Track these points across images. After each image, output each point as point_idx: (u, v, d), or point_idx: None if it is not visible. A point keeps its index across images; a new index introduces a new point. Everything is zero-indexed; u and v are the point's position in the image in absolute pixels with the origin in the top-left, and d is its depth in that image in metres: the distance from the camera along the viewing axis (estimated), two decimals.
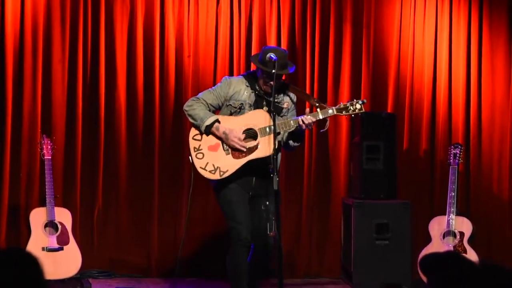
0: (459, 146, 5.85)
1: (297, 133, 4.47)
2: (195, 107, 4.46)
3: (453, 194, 5.72)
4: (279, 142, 4.44)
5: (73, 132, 5.99)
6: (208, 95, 4.52)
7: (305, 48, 6.31)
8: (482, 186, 6.41)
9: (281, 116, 4.49)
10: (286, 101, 4.55)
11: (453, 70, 6.43)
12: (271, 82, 4.34)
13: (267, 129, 4.36)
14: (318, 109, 4.42)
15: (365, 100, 4.50)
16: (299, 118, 4.38)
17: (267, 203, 4.27)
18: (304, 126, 4.37)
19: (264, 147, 4.37)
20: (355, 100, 4.46)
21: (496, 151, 6.44)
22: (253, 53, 6.16)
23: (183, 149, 6.12)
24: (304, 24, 6.31)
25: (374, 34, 6.39)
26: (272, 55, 4.30)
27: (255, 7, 6.24)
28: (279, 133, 4.40)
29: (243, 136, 4.40)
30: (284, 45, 6.21)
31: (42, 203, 5.53)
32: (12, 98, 5.88)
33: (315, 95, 6.28)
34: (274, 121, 4.24)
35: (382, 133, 5.93)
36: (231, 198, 4.43)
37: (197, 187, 5.96)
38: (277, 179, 4.09)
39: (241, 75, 4.67)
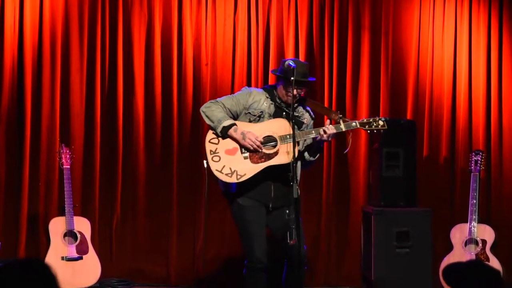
0: (481, 153, 5.79)
1: (314, 147, 4.44)
2: (214, 109, 4.41)
3: (474, 201, 5.67)
4: (298, 151, 4.40)
5: (91, 141, 6.00)
6: (228, 100, 4.48)
7: (323, 56, 6.29)
8: (504, 192, 6.33)
9: (300, 131, 4.44)
10: (306, 117, 4.52)
11: (473, 75, 6.38)
12: (293, 92, 4.31)
13: (288, 136, 4.32)
14: (341, 121, 4.38)
15: (387, 118, 4.52)
16: (321, 128, 4.33)
17: (287, 211, 4.20)
18: (325, 137, 4.32)
19: (284, 154, 4.32)
20: (377, 117, 4.49)
21: None
22: (271, 61, 6.17)
23: (202, 158, 6.11)
24: (322, 32, 6.29)
25: (393, 41, 6.36)
26: (291, 62, 4.29)
27: (272, 15, 6.23)
28: (298, 143, 4.35)
29: (260, 138, 4.33)
30: (302, 53, 6.19)
31: (61, 213, 5.54)
32: (31, 108, 5.91)
33: (333, 103, 6.24)
34: (293, 128, 4.22)
35: (402, 140, 5.88)
36: (247, 217, 4.36)
37: (214, 195, 5.99)
38: (297, 187, 4.06)
39: (261, 88, 4.62)
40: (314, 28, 6.27)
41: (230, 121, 4.37)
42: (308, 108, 4.57)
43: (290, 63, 4.29)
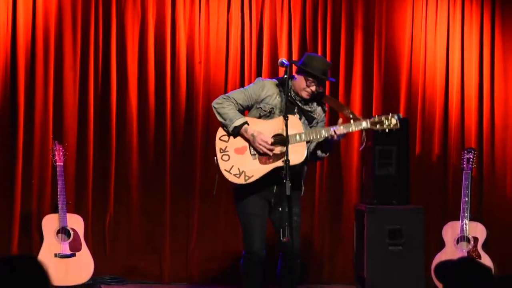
0: (473, 151, 5.81)
1: (326, 144, 4.37)
2: (225, 106, 4.34)
3: (466, 199, 5.69)
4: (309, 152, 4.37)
5: (84, 139, 6.00)
6: (239, 95, 4.41)
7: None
8: (496, 190, 6.36)
9: (310, 126, 4.39)
10: (318, 111, 4.45)
11: (465, 74, 6.40)
12: (312, 88, 4.30)
13: (297, 136, 4.24)
14: (352, 121, 4.28)
15: (401, 115, 4.30)
16: (332, 129, 4.24)
17: (280, 209, 4.18)
18: (336, 137, 4.25)
19: (292, 155, 4.18)
20: (390, 114, 4.30)
21: (509, 155, 6.39)
22: (264, 59, 6.18)
23: (195, 156, 6.14)
24: (315, 30, 6.30)
25: (386, 39, 6.37)
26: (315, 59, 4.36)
27: (265, 13, 6.24)
28: (309, 142, 4.33)
29: (271, 141, 4.29)
30: (295, 51, 6.20)
31: (54, 210, 5.53)
32: (24, 105, 5.91)
33: None
34: (286, 127, 4.17)
35: (395, 138, 5.87)
36: (250, 210, 4.34)
37: (206, 191, 6.01)
38: (290, 184, 4.03)
39: (275, 78, 4.52)
40: (308, 27, 6.28)
41: (241, 120, 4.32)
42: (321, 103, 4.47)
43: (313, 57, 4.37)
